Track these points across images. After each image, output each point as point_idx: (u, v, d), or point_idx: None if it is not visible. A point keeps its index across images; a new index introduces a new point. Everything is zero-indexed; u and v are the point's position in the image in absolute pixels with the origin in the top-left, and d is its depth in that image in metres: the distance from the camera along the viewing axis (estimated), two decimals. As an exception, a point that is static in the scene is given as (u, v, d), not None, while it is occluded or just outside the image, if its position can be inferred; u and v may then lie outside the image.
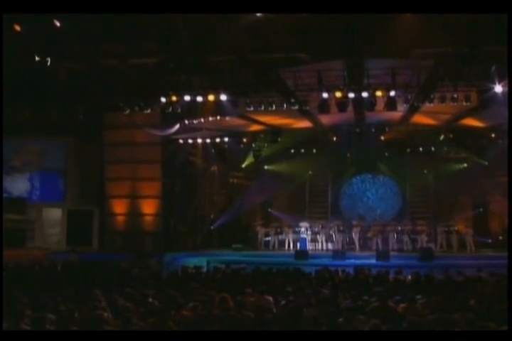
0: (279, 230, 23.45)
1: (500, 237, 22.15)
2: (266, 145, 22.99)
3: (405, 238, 22.22)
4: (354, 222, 23.61)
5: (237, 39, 14.88)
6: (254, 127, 21.96)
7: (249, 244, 23.12)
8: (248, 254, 20.64)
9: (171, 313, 7.48)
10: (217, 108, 17.38)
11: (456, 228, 22.33)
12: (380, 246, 21.91)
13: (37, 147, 22.73)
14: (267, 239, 23.36)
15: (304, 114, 18.85)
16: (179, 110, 17.48)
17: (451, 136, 22.24)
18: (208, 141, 23.06)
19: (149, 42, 16.17)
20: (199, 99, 16.94)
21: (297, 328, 6.75)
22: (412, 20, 13.59)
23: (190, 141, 22.52)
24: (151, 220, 21.69)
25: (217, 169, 25.17)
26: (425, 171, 24.48)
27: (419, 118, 20.27)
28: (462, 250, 21.52)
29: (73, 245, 20.57)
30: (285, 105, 17.36)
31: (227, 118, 19.29)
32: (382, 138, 23.22)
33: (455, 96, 16.28)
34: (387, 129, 22.67)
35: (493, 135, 21.52)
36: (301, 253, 20.14)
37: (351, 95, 16.33)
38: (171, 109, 17.47)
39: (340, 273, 13.53)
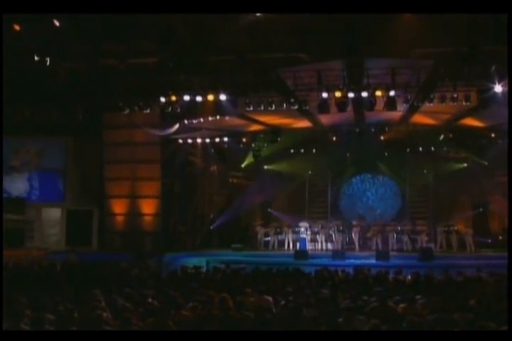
0: (278, 230, 23.44)
1: (500, 237, 22.15)
2: (265, 145, 22.95)
3: (405, 238, 22.21)
4: (354, 222, 23.60)
5: (237, 39, 14.89)
6: (254, 127, 21.94)
7: (249, 244, 23.11)
8: (248, 254, 20.62)
9: (171, 313, 7.48)
10: (217, 108, 17.39)
11: (456, 228, 22.32)
12: (380, 246, 21.91)
13: (36, 147, 22.73)
14: (267, 239, 23.34)
15: (303, 113, 18.84)
16: (179, 110, 17.47)
17: (451, 135, 22.22)
18: (208, 140, 23.04)
19: (149, 42, 16.19)
20: (199, 98, 16.92)
21: (297, 328, 6.75)
22: (412, 20, 13.60)
23: (189, 140, 22.50)
24: (150, 220, 21.70)
25: (216, 169, 25.15)
26: (425, 171, 24.44)
27: (419, 118, 20.25)
28: (462, 250, 21.51)
29: (72, 245, 20.55)
30: (285, 105, 17.35)
31: (226, 118, 19.28)
32: (382, 138, 23.20)
33: (455, 96, 16.27)
34: (386, 129, 22.66)
35: (493, 135, 21.51)
36: (301, 253, 20.12)
37: (351, 95, 16.31)
38: (170, 108, 17.45)
39: (339, 273, 13.49)
